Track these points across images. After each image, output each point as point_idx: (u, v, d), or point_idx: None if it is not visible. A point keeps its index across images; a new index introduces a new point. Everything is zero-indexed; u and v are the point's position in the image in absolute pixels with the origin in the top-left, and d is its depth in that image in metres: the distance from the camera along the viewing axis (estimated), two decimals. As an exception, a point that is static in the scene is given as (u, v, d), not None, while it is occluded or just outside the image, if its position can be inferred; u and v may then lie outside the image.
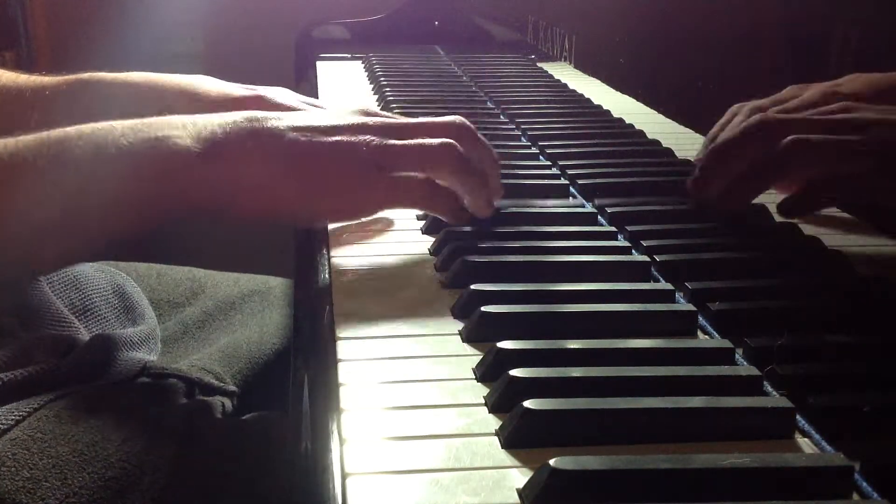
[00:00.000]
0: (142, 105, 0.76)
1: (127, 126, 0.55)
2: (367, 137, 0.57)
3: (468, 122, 0.61)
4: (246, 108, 0.73)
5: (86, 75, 0.80)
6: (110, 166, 0.54)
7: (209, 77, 0.81)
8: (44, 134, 0.54)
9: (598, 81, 1.19)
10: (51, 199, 0.53)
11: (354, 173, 0.56)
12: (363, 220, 0.61)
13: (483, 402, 0.40)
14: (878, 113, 0.59)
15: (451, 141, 0.58)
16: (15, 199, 0.53)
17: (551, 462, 0.33)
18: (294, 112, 0.59)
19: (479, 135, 0.61)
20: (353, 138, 0.57)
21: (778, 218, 0.63)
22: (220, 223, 0.59)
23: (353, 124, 0.58)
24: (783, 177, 0.60)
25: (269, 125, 0.56)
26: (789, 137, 0.56)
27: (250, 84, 0.81)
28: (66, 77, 0.80)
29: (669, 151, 0.80)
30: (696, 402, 0.38)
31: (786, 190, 0.62)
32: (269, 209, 0.57)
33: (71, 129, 0.55)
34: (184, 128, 0.55)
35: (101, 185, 0.54)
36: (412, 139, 0.58)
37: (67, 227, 0.54)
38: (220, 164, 0.55)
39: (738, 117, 0.72)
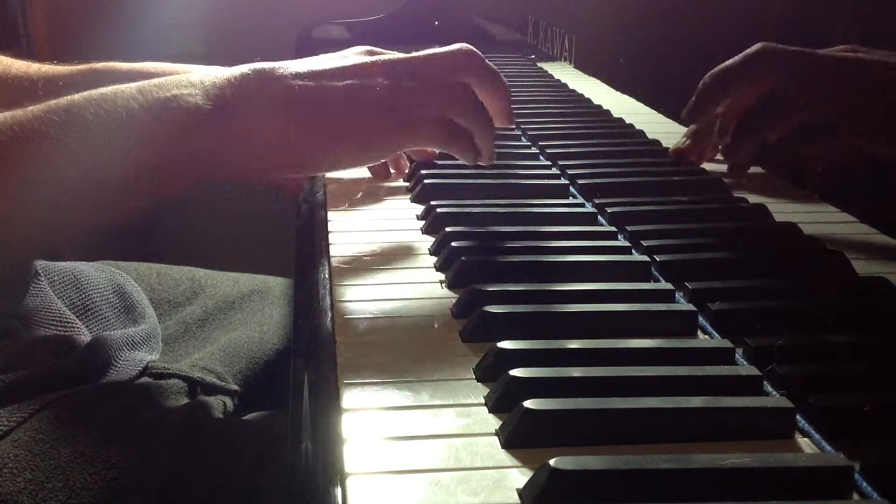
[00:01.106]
0: None
1: (135, 88, 0.55)
2: (378, 79, 0.56)
3: (475, 50, 0.60)
4: None
5: (99, 65, 0.78)
6: (123, 129, 0.53)
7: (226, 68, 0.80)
8: (51, 102, 0.54)
9: (598, 81, 1.19)
10: (66, 168, 0.53)
11: (368, 116, 0.56)
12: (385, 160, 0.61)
13: (483, 402, 0.40)
14: (884, 55, 0.58)
15: (464, 82, 0.57)
16: (30, 170, 0.52)
17: (551, 462, 0.33)
18: (301, 60, 0.58)
19: (486, 63, 0.60)
20: (363, 81, 0.56)
21: (778, 217, 0.63)
22: (244, 182, 0.58)
23: (361, 65, 0.57)
24: (786, 113, 0.58)
25: (277, 74, 0.56)
26: (794, 72, 0.55)
27: None
28: (79, 66, 0.79)
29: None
30: (696, 402, 0.38)
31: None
32: (288, 161, 0.56)
33: (77, 97, 0.54)
34: (192, 86, 0.55)
35: (116, 148, 0.53)
36: (422, 76, 0.57)
37: (86, 195, 0.54)
38: (233, 119, 0.54)
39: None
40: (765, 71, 0.58)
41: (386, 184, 0.74)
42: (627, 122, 0.93)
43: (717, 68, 0.60)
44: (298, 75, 0.56)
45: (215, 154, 0.55)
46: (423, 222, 0.64)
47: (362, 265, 0.57)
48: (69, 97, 0.54)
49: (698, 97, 0.61)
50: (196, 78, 0.56)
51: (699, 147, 0.75)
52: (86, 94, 0.54)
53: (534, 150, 0.82)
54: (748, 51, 0.59)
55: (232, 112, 0.54)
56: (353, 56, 0.59)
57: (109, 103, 0.54)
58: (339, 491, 0.34)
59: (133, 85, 0.55)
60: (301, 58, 0.59)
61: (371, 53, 0.60)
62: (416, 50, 0.60)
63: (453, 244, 0.56)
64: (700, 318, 0.49)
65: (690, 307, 0.49)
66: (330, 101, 0.55)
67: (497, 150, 0.81)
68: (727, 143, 0.60)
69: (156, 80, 0.56)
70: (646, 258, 0.56)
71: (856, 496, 0.35)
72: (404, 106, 0.56)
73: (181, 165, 0.55)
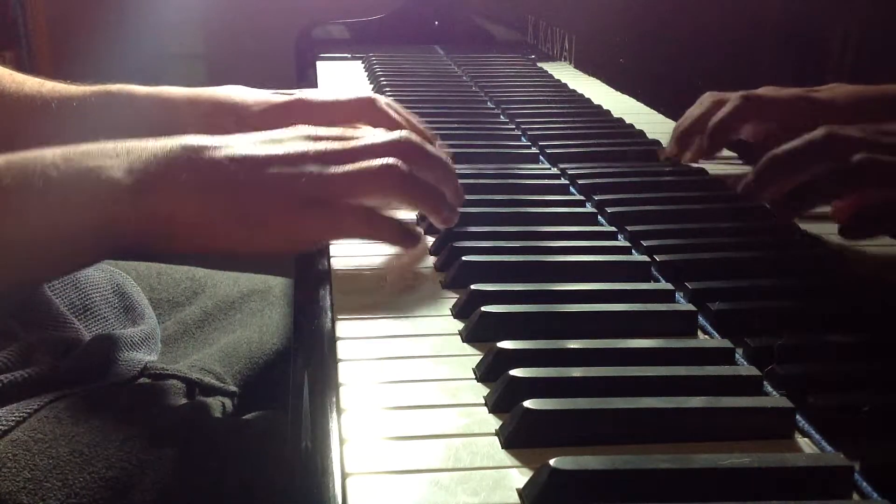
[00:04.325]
0: (176, 121, 0.74)
1: (58, 155, 0.54)
2: (307, 168, 0.55)
3: (413, 137, 0.59)
4: (290, 113, 0.71)
5: (115, 88, 0.76)
6: (37, 199, 0.52)
7: (241, 87, 0.79)
8: None
9: (599, 81, 1.19)
10: None
11: (291, 207, 0.55)
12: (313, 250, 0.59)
13: (483, 402, 0.40)
14: None
15: (391, 161, 0.56)
16: None
17: (551, 462, 0.33)
18: (233, 140, 0.57)
19: (426, 147, 0.59)
20: (292, 170, 0.55)
21: (778, 218, 0.63)
22: (160, 257, 0.57)
23: (293, 154, 0.56)
24: (848, 192, 0.58)
25: (206, 156, 0.55)
26: (861, 154, 0.55)
27: (268, 89, 0.79)
28: (94, 88, 0.77)
29: (669, 151, 0.80)
30: (696, 402, 0.38)
31: (839, 208, 0.61)
32: (206, 244, 0.55)
33: (0, 159, 0.53)
34: (117, 157, 0.54)
35: (28, 219, 0.52)
36: (354, 163, 0.56)
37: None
38: (153, 197, 0.53)
39: (705, 103, 0.75)
40: (829, 157, 0.57)
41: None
42: (627, 122, 0.93)
43: (779, 150, 0.59)
44: (227, 159, 0.55)
45: (133, 231, 0.54)
46: (423, 223, 0.64)
47: (362, 265, 0.57)
48: None
49: (758, 177, 0.60)
50: (124, 148, 0.54)
51: (685, 152, 0.76)
52: (11, 156, 0.53)
53: (534, 150, 0.82)
54: (814, 135, 0.58)
55: (152, 191, 0.53)
56: (288, 140, 0.58)
57: (29, 169, 0.53)
58: (339, 491, 0.34)
59: (60, 149, 0.54)
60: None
61: (311, 138, 0.58)
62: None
63: (453, 244, 0.56)
64: (700, 318, 0.48)
65: (690, 307, 0.49)
66: (254, 191, 0.54)
67: (497, 151, 0.81)
68: (780, 202, 0.59)
69: (83, 147, 0.54)
70: (646, 258, 0.56)
71: (856, 496, 0.35)
72: (330, 198, 0.55)
73: (97, 238, 0.54)
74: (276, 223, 0.55)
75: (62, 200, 0.53)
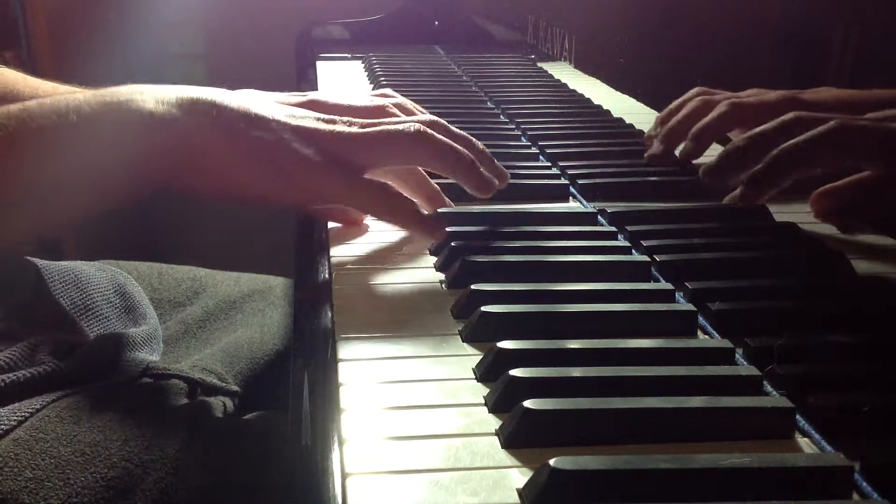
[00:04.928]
0: None
1: (89, 94, 0.55)
2: (337, 126, 0.57)
3: (440, 119, 0.60)
4: None
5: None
6: (72, 134, 0.54)
7: (252, 90, 0.81)
8: (2, 109, 0.54)
9: (598, 81, 1.19)
10: (15, 172, 0.53)
11: (316, 160, 0.56)
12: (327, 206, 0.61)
13: (483, 402, 0.40)
14: None
15: (420, 126, 0.58)
16: None
17: (551, 462, 0.33)
18: (267, 97, 0.60)
19: (453, 128, 0.61)
20: (322, 125, 0.57)
21: (778, 217, 0.63)
22: (191, 198, 0.58)
23: (325, 116, 0.58)
24: (817, 161, 0.57)
25: (236, 102, 0.57)
26: (832, 122, 0.55)
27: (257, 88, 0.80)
28: (109, 90, 0.79)
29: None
30: (696, 402, 0.38)
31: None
32: (227, 183, 0.57)
33: (31, 103, 0.55)
34: (145, 94, 0.55)
35: (63, 152, 0.54)
36: (383, 126, 0.58)
37: (35, 196, 0.54)
38: (181, 129, 0.55)
39: (692, 102, 0.75)
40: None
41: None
42: (627, 122, 0.93)
43: (751, 132, 0.59)
44: (262, 105, 0.57)
45: (159, 162, 0.55)
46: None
47: (362, 265, 0.57)
48: (25, 102, 0.55)
49: (728, 156, 0.60)
50: (154, 87, 0.56)
51: (671, 151, 0.76)
52: (41, 100, 0.55)
53: (534, 150, 0.82)
54: (783, 119, 0.58)
55: (180, 124, 0.55)
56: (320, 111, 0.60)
57: (62, 107, 0.54)
58: (339, 491, 0.34)
59: (90, 91, 0.56)
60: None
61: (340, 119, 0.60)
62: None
63: (453, 244, 0.57)
64: (700, 318, 0.49)
65: (690, 307, 0.49)
66: (279, 136, 0.56)
67: (497, 151, 0.81)
68: (751, 176, 0.59)
69: (113, 88, 0.56)
70: (646, 258, 0.56)
71: (856, 496, 0.35)
72: (358, 158, 0.57)
73: (126, 170, 0.55)
74: (299, 173, 0.56)
75: (96, 134, 0.54)
